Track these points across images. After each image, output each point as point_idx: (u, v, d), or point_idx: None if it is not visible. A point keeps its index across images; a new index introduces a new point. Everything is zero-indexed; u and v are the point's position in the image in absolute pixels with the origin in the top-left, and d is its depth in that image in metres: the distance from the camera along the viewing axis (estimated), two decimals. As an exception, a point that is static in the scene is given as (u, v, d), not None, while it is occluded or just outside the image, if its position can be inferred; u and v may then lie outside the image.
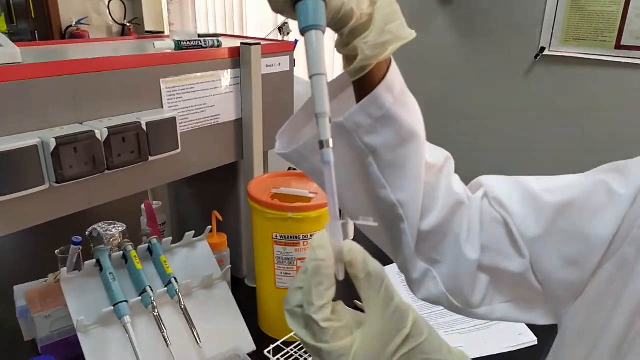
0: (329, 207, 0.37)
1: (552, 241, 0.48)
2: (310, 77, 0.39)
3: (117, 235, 1.00)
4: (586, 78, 1.66)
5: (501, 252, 0.51)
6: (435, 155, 0.52)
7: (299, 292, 0.36)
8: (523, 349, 0.89)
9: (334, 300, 0.36)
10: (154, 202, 1.12)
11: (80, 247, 0.95)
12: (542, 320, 0.53)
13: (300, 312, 0.36)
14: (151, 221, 1.06)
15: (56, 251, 1.00)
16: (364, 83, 0.45)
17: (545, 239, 0.49)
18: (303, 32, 0.39)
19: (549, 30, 1.73)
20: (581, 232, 0.46)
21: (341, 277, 0.37)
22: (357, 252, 0.36)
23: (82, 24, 3.22)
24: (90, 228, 1.01)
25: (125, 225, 1.03)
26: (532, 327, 0.94)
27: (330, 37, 0.42)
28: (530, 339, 0.91)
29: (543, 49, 1.73)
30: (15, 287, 0.92)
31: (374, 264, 0.36)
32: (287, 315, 0.37)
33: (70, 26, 3.18)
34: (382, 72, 0.45)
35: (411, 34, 0.45)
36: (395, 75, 0.46)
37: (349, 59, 0.45)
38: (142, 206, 1.10)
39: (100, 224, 1.02)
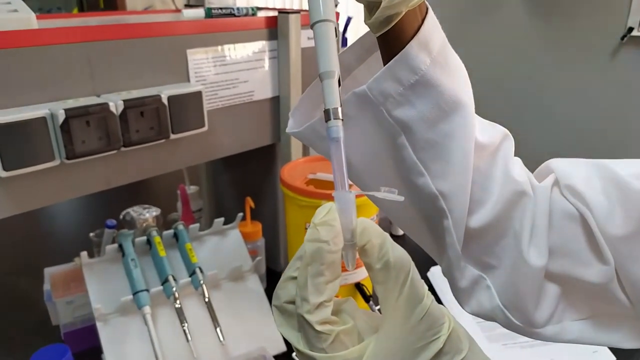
0: (335, 176, 0.27)
1: None
2: (312, 26, 0.30)
3: (150, 220, 0.95)
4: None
5: (576, 257, 0.39)
6: (489, 133, 0.41)
7: (292, 283, 0.28)
8: (598, 370, 0.76)
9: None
10: (191, 187, 1.07)
11: (115, 231, 0.92)
12: (628, 342, 0.42)
13: (292, 310, 0.28)
14: (185, 206, 1.00)
15: (90, 234, 0.98)
16: (391, 40, 0.35)
17: (636, 240, 0.37)
18: None
19: (639, 8, 1.53)
20: None
21: (351, 267, 0.28)
22: (374, 234, 0.27)
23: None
24: (124, 212, 0.98)
25: (159, 210, 0.98)
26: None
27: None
28: (608, 359, 0.78)
29: (631, 29, 1.52)
30: (46, 270, 0.89)
31: (395, 250, 0.27)
32: (275, 312, 0.28)
33: (136, 15, 3.27)
34: (414, 24, 0.34)
35: None
36: (432, 27, 0.35)
37: (370, 9, 0.34)
38: (178, 191, 1.05)
39: (134, 208, 0.99)
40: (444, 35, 0.37)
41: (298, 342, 0.27)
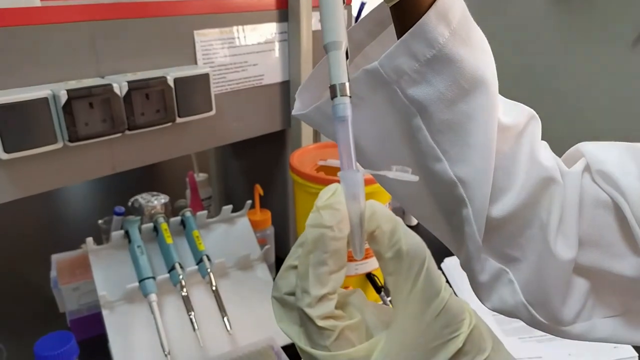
0: (341, 156, 0.25)
1: None
2: None
3: (158, 207, 0.94)
4: None
5: (608, 249, 0.36)
6: (513, 114, 0.37)
7: (293, 273, 0.25)
8: (620, 366, 0.73)
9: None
10: (200, 175, 1.05)
11: (124, 218, 0.90)
12: None
13: (294, 302, 0.25)
14: (193, 194, 0.99)
15: (99, 221, 0.96)
16: (406, 11, 0.32)
17: None
18: None
19: (665, -8, 1.47)
20: None
21: (359, 256, 0.25)
22: (384, 219, 0.25)
23: None
24: (133, 199, 0.96)
25: (168, 197, 0.96)
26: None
27: None
28: (630, 355, 0.75)
29: (656, 13, 1.46)
30: (53, 256, 0.88)
31: (409, 237, 0.25)
32: (275, 305, 0.26)
33: None
34: None
35: None
36: None
37: None
38: (187, 178, 1.03)
39: (143, 195, 0.97)
40: (465, 5, 0.33)
41: (299, 339, 0.25)
